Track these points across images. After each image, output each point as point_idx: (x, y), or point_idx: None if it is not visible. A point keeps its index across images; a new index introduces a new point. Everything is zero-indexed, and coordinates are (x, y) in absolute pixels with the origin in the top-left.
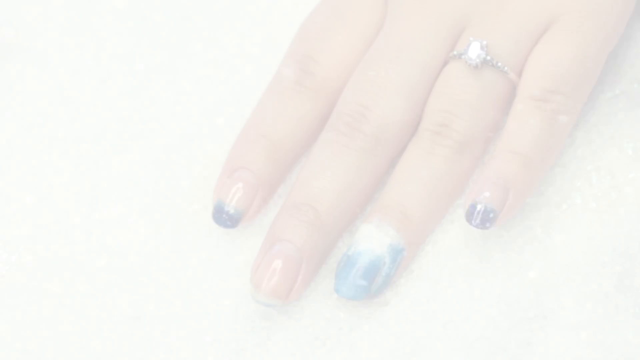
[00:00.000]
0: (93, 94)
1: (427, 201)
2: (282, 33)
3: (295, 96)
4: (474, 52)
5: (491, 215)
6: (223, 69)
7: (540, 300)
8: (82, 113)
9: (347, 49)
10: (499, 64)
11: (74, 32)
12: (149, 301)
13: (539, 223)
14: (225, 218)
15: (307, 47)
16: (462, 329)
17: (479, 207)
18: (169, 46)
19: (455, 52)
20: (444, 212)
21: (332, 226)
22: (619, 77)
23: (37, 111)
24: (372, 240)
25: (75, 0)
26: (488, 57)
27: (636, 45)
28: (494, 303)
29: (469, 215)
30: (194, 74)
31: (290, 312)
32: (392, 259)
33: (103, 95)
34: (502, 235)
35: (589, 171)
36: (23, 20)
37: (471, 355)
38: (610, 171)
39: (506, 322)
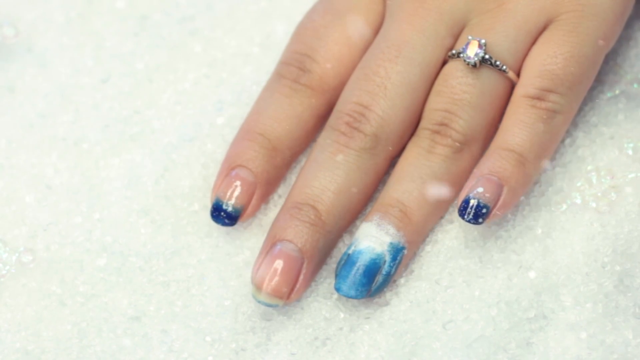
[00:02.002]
0: (93, 94)
1: (426, 200)
2: (282, 33)
3: (293, 94)
4: (472, 50)
5: (484, 210)
6: (223, 69)
7: (540, 300)
8: (82, 113)
9: (344, 47)
10: (498, 62)
11: (74, 32)
12: (149, 301)
13: (539, 223)
14: (223, 216)
15: (304, 45)
16: (462, 329)
17: (472, 202)
18: (169, 46)
19: (453, 51)
20: (443, 211)
21: (333, 226)
22: (619, 77)
23: (37, 111)
24: (372, 238)
25: (75, 0)
26: (486, 56)
27: (636, 46)
28: (494, 303)
29: (462, 210)
30: (194, 74)
31: (290, 312)
32: (393, 257)
33: (103, 95)
34: (502, 235)
35: (589, 171)
36: (23, 20)
37: (471, 355)
38: (610, 171)
39: (506, 322)
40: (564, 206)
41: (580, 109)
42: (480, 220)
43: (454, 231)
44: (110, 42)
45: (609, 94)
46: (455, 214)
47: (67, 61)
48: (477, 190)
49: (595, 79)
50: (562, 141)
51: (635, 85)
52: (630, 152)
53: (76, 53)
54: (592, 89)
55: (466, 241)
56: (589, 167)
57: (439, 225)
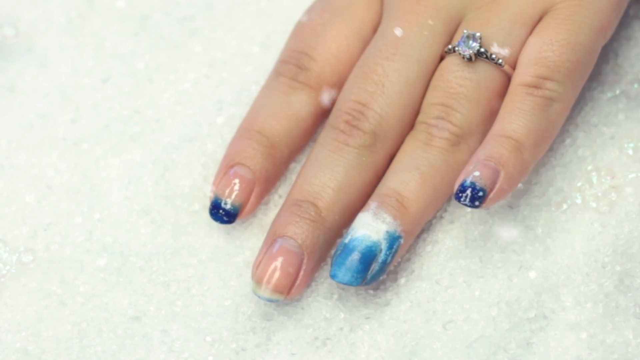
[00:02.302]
0: (93, 94)
1: (423, 190)
2: (282, 33)
3: (291, 92)
4: (467, 44)
5: (480, 193)
6: (223, 69)
7: (540, 300)
8: (82, 113)
9: (342, 45)
10: (493, 56)
11: (74, 32)
12: (149, 301)
13: (539, 223)
14: (221, 214)
15: (302, 43)
16: (462, 329)
17: (468, 185)
18: (169, 46)
19: (450, 46)
20: (440, 203)
21: (333, 222)
22: (619, 77)
23: (37, 111)
24: (369, 227)
25: (75, 0)
26: (482, 49)
27: (636, 46)
28: (494, 303)
29: (459, 194)
30: (194, 74)
31: (290, 312)
32: (389, 245)
33: (103, 95)
34: (502, 235)
35: (589, 171)
36: (23, 20)
37: (471, 355)
38: (610, 171)
39: (506, 322)
40: (565, 206)
41: (581, 109)
42: (477, 203)
43: (454, 231)
44: (110, 42)
45: (609, 94)
46: (456, 214)
47: (67, 61)
48: (473, 174)
49: (596, 79)
50: (563, 141)
51: (636, 85)
52: (630, 152)
53: (76, 53)
54: (592, 89)
55: (466, 241)
56: (590, 167)
57: (439, 225)
